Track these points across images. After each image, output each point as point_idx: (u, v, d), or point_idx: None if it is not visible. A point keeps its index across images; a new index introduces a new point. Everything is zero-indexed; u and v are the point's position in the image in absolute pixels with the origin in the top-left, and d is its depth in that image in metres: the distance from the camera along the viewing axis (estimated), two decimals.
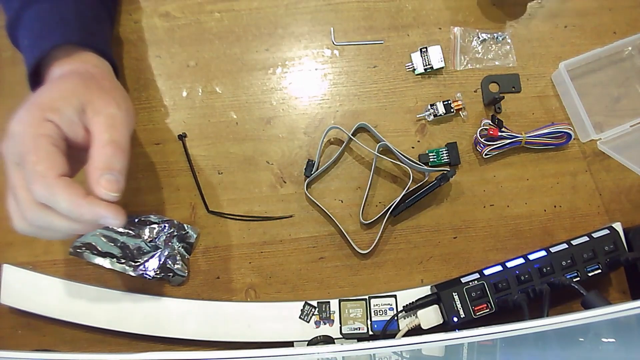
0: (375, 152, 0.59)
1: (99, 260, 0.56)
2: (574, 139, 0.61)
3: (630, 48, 0.62)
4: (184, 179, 0.60)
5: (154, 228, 0.58)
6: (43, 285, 0.57)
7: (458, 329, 0.54)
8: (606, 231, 0.56)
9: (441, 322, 0.55)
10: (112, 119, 0.42)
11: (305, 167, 0.60)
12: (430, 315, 0.55)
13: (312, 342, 0.55)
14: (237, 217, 0.60)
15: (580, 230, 0.61)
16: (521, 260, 0.56)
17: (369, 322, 0.57)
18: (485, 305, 0.54)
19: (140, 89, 0.61)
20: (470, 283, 0.54)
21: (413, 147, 0.61)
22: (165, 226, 0.58)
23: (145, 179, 0.60)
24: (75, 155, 0.42)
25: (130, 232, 0.58)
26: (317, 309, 0.57)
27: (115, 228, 0.57)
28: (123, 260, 0.57)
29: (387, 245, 0.60)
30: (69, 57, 0.47)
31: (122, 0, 0.62)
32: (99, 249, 0.56)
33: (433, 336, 0.41)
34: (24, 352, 0.42)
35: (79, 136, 0.41)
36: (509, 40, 0.63)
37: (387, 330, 0.56)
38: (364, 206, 0.60)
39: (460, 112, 0.61)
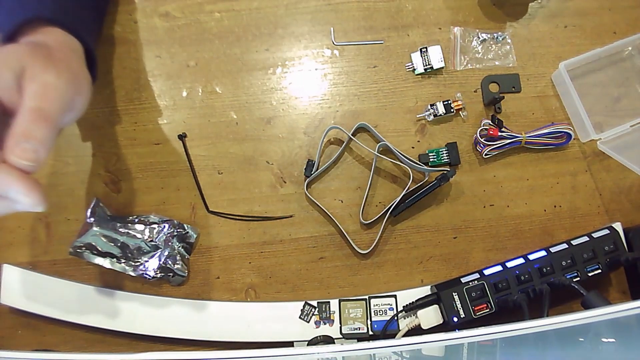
0: (375, 152, 0.59)
1: (99, 260, 0.56)
2: (574, 139, 0.61)
3: (630, 48, 0.62)
4: (184, 179, 0.60)
5: (154, 228, 0.58)
6: (43, 285, 0.57)
7: (458, 329, 0.54)
8: (606, 231, 0.56)
9: (441, 322, 0.55)
10: (46, 87, 0.39)
11: (305, 167, 0.60)
12: (430, 315, 0.55)
13: (312, 342, 0.55)
14: (237, 217, 0.60)
15: (580, 230, 0.61)
16: (521, 260, 0.56)
17: (369, 322, 0.57)
18: (485, 305, 0.54)
19: (140, 89, 0.61)
20: (470, 283, 0.54)
21: (413, 147, 0.61)
22: (165, 226, 0.58)
23: (145, 179, 0.60)
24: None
25: (130, 232, 0.58)
26: (317, 309, 0.57)
27: (97, 228, 0.57)
28: (123, 260, 0.57)
29: (387, 245, 0.60)
30: (35, 31, 0.45)
31: (122, 0, 0.62)
32: (99, 249, 0.56)
33: (433, 336, 0.41)
34: (24, 352, 0.42)
35: (15, 102, 0.39)
36: (509, 40, 0.63)
37: (387, 330, 0.56)
38: (364, 206, 0.60)
39: (460, 112, 0.61)
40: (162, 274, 0.57)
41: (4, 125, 0.39)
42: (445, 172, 0.57)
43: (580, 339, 0.44)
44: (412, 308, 0.56)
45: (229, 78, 0.62)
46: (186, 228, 0.59)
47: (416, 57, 0.62)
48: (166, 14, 0.62)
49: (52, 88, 0.40)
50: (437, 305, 0.55)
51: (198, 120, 0.61)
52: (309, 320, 0.57)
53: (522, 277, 0.54)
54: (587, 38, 0.63)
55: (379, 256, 0.60)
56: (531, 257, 0.56)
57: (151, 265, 0.57)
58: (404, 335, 0.56)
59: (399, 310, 0.57)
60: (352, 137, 0.60)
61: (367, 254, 0.60)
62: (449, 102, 0.60)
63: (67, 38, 0.48)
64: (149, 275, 0.56)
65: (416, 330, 0.56)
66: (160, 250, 0.57)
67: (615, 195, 0.62)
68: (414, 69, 0.62)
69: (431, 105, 0.61)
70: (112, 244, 0.57)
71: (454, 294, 0.54)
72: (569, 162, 0.62)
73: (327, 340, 0.55)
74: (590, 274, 0.55)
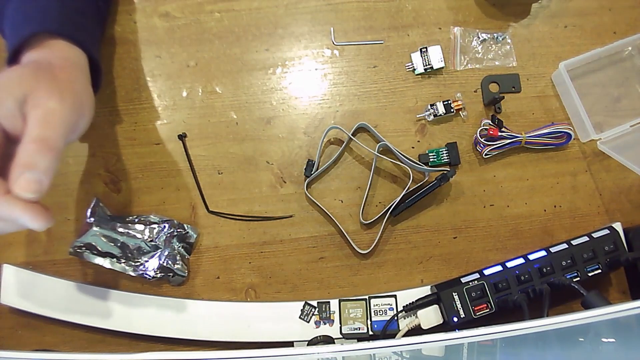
0: (375, 152, 0.59)
1: (99, 260, 0.56)
2: (574, 139, 0.61)
3: (630, 48, 0.62)
4: (184, 179, 0.60)
5: (154, 228, 0.58)
6: (43, 285, 0.57)
7: (458, 329, 0.54)
8: (606, 231, 0.56)
9: (441, 322, 0.55)
10: (49, 113, 0.39)
11: (305, 167, 0.60)
12: (430, 315, 0.55)
13: (312, 342, 0.55)
14: (237, 217, 0.60)
15: (580, 230, 0.61)
16: (521, 260, 0.56)
17: (369, 322, 0.57)
18: (485, 305, 0.54)
19: (140, 89, 0.61)
20: (470, 283, 0.54)
21: (413, 147, 0.61)
22: (165, 226, 0.58)
23: (145, 179, 0.60)
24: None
25: (130, 232, 0.58)
26: (317, 309, 0.57)
27: (97, 228, 0.57)
28: (123, 260, 0.57)
29: (387, 245, 0.60)
30: (40, 46, 0.45)
31: (122, 1, 0.62)
32: (99, 249, 0.56)
33: (433, 336, 0.41)
34: (24, 352, 0.42)
35: (19, 129, 0.38)
36: (509, 40, 0.63)
37: (387, 330, 0.56)
38: (364, 206, 0.60)
39: (460, 112, 0.61)
40: (162, 274, 0.57)
41: (7, 152, 0.39)
42: (445, 172, 0.57)
43: (580, 339, 0.44)
44: (412, 308, 0.56)
45: (229, 78, 0.62)
46: (186, 228, 0.59)
47: (416, 57, 0.62)
48: (166, 14, 0.62)
49: (56, 115, 0.39)
50: (437, 305, 0.55)
51: (198, 120, 0.61)
52: (309, 320, 0.57)
53: (522, 277, 0.54)
54: (587, 38, 0.63)
55: (379, 256, 0.60)
56: (531, 257, 0.56)
57: (151, 265, 0.57)
58: (404, 335, 0.56)
59: (399, 310, 0.56)
60: (352, 137, 0.60)
61: (367, 254, 0.60)
62: (449, 102, 0.60)
63: (72, 51, 0.47)
64: (149, 275, 0.56)
65: (416, 330, 0.56)
66: (160, 250, 0.57)
67: (615, 195, 0.62)
68: (414, 69, 0.62)
69: (431, 105, 0.61)
70: (112, 244, 0.57)
71: (454, 294, 0.54)
72: (569, 162, 0.62)
73: (327, 340, 0.55)
74: (590, 274, 0.55)
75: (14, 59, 0.46)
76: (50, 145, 0.38)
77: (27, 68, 0.42)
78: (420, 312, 0.55)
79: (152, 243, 0.58)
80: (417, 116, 0.61)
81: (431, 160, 0.60)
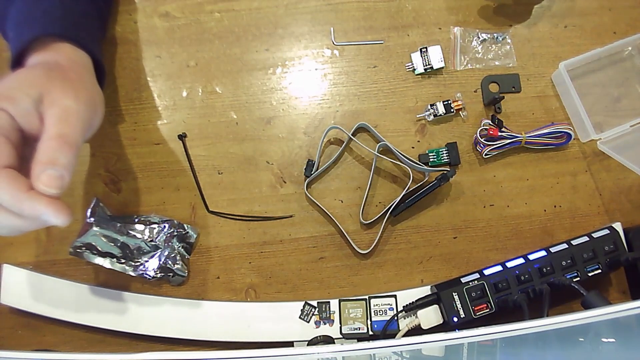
0: (375, 152, 0.59)
1: (99, 260, 0.56)
2: (574, 139, 0.61)
3: (630, 48, 0.62)
4: (184, 179, 0.60)
5: (154, 228, 0.58)
6: (43, 285, 0.57)
7: (458, 329, 0.54)
8: (606, 231, 0.56)
9: (441, 322, 0.55)
10: (66, 111, 0.40)
11: (305, 167, 0.60)
12: (430, 315, 0.55)
13: (312, 342, 0.55)
14: (237, 217, 0.60)
15: (580, 230, 0.61)
16: (521, 260, 0.56)
17: (369, 322, 0.57)
18: (485, 305, 0.54)
19: (141, 89, 0.61)
20: (470, 283, 0.54)
21: (413, 147, 0.61)
22: (165, 226, 0.58)
23: (145, 179, 0.60)
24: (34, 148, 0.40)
25: (130, 232, 0.58)
26: (317, 309, 0.57)
27: (97, 228, 0.57)
28: (123, 260, 0.57)
29: (387, 245, 0.60)
30: (45, 48, 0.46)
31: (122, 1, 0.62)
32: (99, 249, 0.56)
33: (433, 336, 0.41)
34: (24, 352, 0.42)
35: (35, 127, 0.39)
36: (509, 40, 0.63)
37: (387, 330, 0.56)
38: (364, 206, 0.60)
39: (460, 112, 0.61)
40: (162, 274, 0.57)
41: (24, 151, 0.39)
42: (445, 172, 0.57)
43: (580, 339, 0.44)
44: (412, 308, 0.56)
45: (229, 78, 0.62)
46: (186, 228, 0.59)
47: (416, 57, 0.62)
48: (166, 14, 0.62)
49: (73, 112, 0.40)
50: (437, 305, 0.55)
51: (198, 120, 0.61)
52: (309, 320, 0.57)
53: (522, 277, 0.54)
54: (587, 38, 0.63)
55: (379, 256, 0.60)
56: (531, 257, 0.56)
57: (151, 265, 0.57)
58: (404, 335, 0.56)
59: (399, 310, 0.57)
60: (352, 137, 0.60)
61: (367, 254, 0.60)
62: (449, 102, 0.60)
63: (77, 53, 0.48)
64: (149, 275, 0.56)
65: (416, 330, 0.56)
66: (160, 250, 0.57)
67: (615, 195, 0.62)
68: (414, 69, 0.62)
69: (431, 105, 0.61)
70: (112, 244, 0.57)
71: (454, 294, 0.54)
72: (569, 162, 0.62)
73: (327, 340, 0.55)
74: (590, 274, 0.55)
75: (17, 62, 0.46)
76: (69, 141, 0.38)
77: (38, 69, 0.43)
78: (420, 312, 0.55)
79: (152, 243, 0.58)
80: (417, 116, 0.61)
81: (431, 160, 0.60)
